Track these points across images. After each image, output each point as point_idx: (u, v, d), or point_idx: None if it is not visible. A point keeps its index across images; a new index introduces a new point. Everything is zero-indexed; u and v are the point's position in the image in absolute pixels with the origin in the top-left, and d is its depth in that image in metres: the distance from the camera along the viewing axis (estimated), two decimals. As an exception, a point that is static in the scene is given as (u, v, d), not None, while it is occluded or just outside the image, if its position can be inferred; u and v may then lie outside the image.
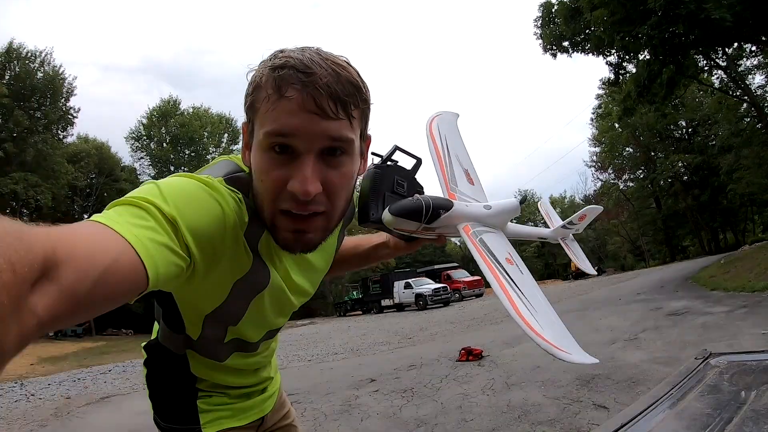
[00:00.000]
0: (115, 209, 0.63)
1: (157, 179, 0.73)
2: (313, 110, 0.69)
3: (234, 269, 0.82)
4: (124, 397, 7.33)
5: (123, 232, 0.57)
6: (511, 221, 1.16)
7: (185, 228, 0.67)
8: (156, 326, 1.07)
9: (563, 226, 1.33)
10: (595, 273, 1.33)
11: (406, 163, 1.00)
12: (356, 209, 1.03)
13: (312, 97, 0.69)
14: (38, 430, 5.61)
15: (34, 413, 6.53)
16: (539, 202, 1.47)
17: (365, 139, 0.83)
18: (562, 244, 1.34)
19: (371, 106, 0.80)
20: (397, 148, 0.98)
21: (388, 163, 0.97)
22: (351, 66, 0.76)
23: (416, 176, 1.02)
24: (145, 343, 1.10)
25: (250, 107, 0.75)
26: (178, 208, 0.67)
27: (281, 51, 0.75)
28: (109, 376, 9.83)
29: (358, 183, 0.88)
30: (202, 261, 0.71)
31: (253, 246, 0.83)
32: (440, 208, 0.99)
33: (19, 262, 0.41)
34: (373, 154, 0.96)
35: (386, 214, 0.93)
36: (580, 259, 1.31)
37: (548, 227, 1.39)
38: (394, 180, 0.96)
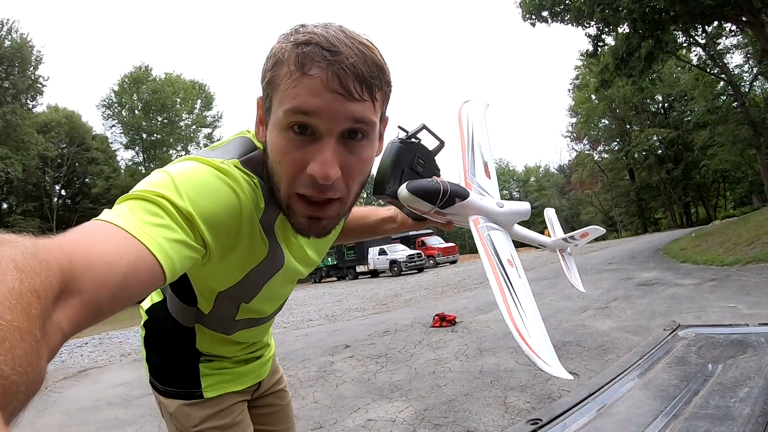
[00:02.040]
0: (126, 204, 0.62)
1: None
2: (337, 90, 0.67)
3: (250, 257, 0.82)
4: (101, 369, 7.30)
5: (137, 234, 0.56)
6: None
7: (201, 221, 0.66)
8: None
9: (564, 239, 1.34)
10: (584, 291, 1.36)
11: (429, 143, 1.00)
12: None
13: (337, 76, 0.66)
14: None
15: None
16: (545, 210, 1.48)
17: (383, 121, 0.82)
18: (559, 256, 1.35)
19: (392, 88, 0.78)
20: (424, 126, 0.98)
21: (413, 140, 0.96)
22: (375, 46, 0.73)
23: (436, 158, 1.02)
24: (147, 307, 1.09)
25: (269, 83, 0.72)
26: (193, 200, 0.65)
27: (302, 26, 0.71)
28: (85, 349, 9.71)
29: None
30: (217, 249, 0.71)
31: (270, 228, 0.82)
32: (457, 195, 0.99)
33: (41, 285, 0.40)
34: (399, 128, 0.96)
35: (403, 190, 0.92)
36: (573, 274, 1.33)
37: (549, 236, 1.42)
38: (415, 157, 0.96)
